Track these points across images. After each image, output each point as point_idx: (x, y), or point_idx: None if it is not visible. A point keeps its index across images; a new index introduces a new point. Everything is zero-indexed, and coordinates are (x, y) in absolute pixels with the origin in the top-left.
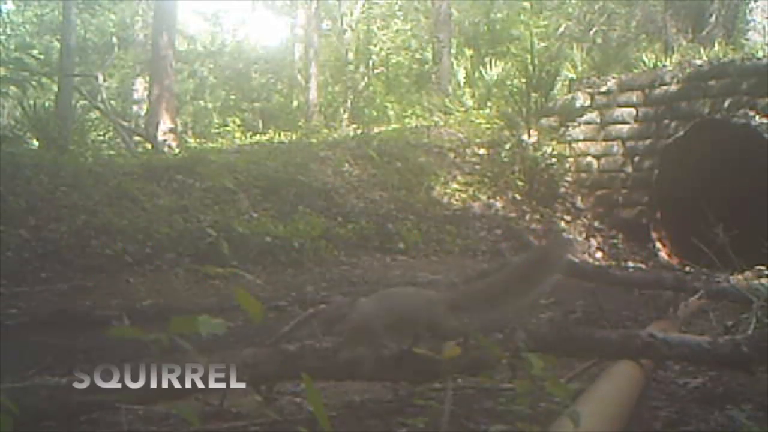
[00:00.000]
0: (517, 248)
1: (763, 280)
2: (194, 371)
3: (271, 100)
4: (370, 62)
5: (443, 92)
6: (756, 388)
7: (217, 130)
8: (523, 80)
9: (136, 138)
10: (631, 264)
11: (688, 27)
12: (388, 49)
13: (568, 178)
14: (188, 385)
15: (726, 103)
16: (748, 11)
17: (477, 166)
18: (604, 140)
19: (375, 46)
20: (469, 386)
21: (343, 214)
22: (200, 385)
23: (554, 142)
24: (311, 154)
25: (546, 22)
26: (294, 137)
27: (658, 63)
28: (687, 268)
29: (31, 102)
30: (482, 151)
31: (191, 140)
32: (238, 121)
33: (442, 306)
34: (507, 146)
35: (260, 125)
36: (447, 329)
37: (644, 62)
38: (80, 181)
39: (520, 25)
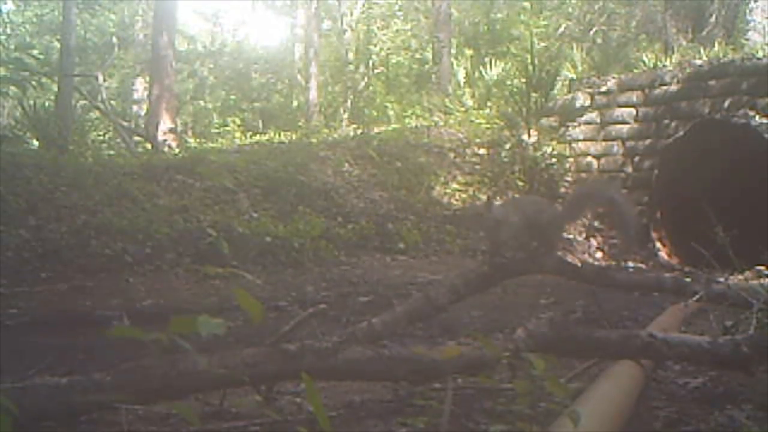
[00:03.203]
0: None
1: (763, 281)
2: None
3: (271, 100)
4: (370, 62)
5: (443, 92)
6: (756, 388)
7: (217, 130)
8: (523, 80)
9: (136, 138)
10: (631, 264)
11: (688, 27)
12: (388, 49)
13: (568, 178)
14: (188, 384)
15: (726, 103)
16: (748, 11)
17: (477, 166)
18: (604, 140)
19: (375, 46)
20: (469, 386)
21: (343, 214)
22: (200, 385)
23: (554, 142)
24: (311, 154)
25: (546, 22)
26: (294, 137)
27: (658, 63)
28: (687, 268)
29: (31, 102)
30: (482, 151)
31: (191, 140)
32: (238, 121)
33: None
34: (507, 146)
35: (260, 125)
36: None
37: (644, 62)
38: (80, 181)
39: (520, 25)
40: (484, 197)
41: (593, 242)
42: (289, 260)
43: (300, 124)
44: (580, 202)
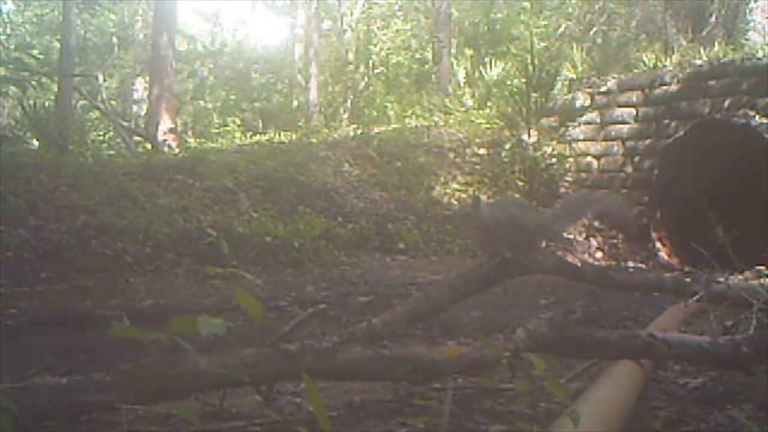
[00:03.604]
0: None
1: (763, 281)
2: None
3: (271, 100)
4: (370, 62)
5: (443, 92)
6: (756, 388)
7: (217, 130)
8: (523, 80)
9: (136, 138)
10: (631, 264)
11: (688, 27)
12: (388, 49)
13: (568, 178)
14: (188, 384)
15: (726, 103)
16: (748, 11)
17: (477, 166)
18: (604, 140)
19: (375, 46)
20: (469, 386)
21: (343, 214)
22: (200, 385)
23: (554, 142)
24: (311, 154)
25: (546, 22)
26: (294, 137)
27: (658, 63)
28: (687, 268)
29: (31, 102)
30: (482, 151)
31: (191, 140)
32: (238, 121)
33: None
34: (507, 146)
35: (260, 125)
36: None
37: (644, 62)
38: (80, 181)
39: (520, 25)
40: (484, 197)
41: (593, 242)
42: (289, 260)
43: (300, 124)
44: (572, 209)
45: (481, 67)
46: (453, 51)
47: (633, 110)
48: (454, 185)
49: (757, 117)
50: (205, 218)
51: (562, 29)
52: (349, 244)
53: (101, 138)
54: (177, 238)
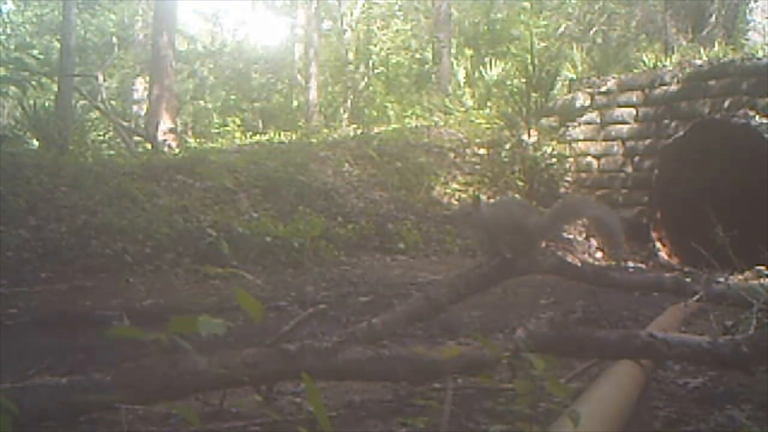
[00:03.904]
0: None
1: (763, 281)
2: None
3: (271, 100)
4: (370, 62)
5: (443, 92)
6: (756, 388)
7: (217, 130)
8: (523, 80)
9: (136, 138)
10: (631, 264)
11: (688, 27)
12: (388, 49)
13: (568, 178)
14: (188, 384)
15: (726, 103)
16: (748, 11)
17: (477, 166)
18: (604, 140)
19: (375, 46)
20: (469, 386)
21: (343, 214)
22: (200, 385)
23: (554, 142)
24: (311, 154)
25: (546, 22)
26: (294, 137)
27: (658, 63)
28: (687, 268)
29: (31, 102)
30: (482, 151)
31: (191, 140)
32: (238, 121)
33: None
34: (507, 146)
35: (260, 125)
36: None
37: (644, 62)
38: (80, 181)
39: (520, 25)
40: (484, 197)
41: (593, 242)
42: (289, 260)
43: (300, 124)
44: (565, 214)
45: (481, 67)
46: (453, 51)
47: (633, 110)
48: (454, 185)
49: (757, 117)
50: (205, 218)
51: (562, 29)
52: (349, 244)
53: (101, 138)
54: (177, 238)
